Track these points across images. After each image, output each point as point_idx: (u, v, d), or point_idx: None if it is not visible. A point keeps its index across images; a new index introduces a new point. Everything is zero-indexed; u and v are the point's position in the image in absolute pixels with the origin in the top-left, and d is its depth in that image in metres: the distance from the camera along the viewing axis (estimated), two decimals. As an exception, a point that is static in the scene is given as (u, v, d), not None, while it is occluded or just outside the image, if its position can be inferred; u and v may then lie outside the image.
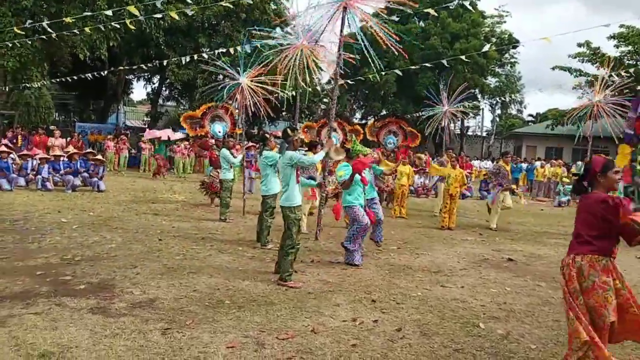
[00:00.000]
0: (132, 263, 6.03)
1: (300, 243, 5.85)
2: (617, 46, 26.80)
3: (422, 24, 32.86)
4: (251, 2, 18.06)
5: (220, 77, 9.45)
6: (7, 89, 21.39)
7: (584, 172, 3.48)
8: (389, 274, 6.26)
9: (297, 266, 5.99)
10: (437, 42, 30.25)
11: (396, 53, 6.52)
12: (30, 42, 15.95)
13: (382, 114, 33.44)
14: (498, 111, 49.28)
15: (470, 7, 28.49)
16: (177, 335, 3.92)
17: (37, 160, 13.53)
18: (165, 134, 23.38)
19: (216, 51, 11.26)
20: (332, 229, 8.94)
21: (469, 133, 42.87)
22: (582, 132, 9.68)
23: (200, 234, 8.22)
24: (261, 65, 8.74)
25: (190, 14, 12.18)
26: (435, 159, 17.19)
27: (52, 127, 22.11)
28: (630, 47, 26.38)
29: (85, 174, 13.51)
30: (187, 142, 21.06)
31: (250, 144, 17.26)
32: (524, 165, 22.93)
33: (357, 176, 6.50)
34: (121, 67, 21.64)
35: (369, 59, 6.16)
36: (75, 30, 12.42)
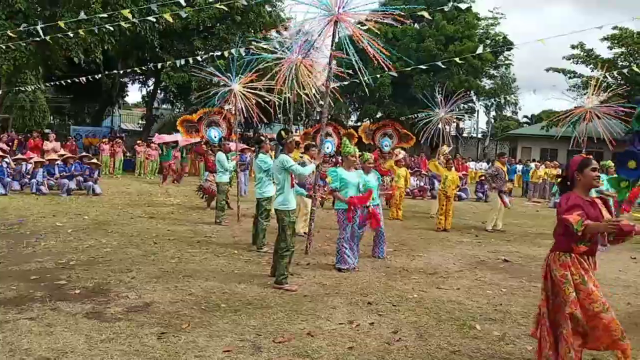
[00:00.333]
0: (127, 267, 6.01)
1: (295, 246, 5.85)
2: (610, 48, 26.98)
3: (416, 26, 32.95)
4: (246, 4, 18.04)
5: (216, 79, 9.38)
6: (1, 93, 21.27)
7: (565, 172, 3.62)
8: (385, 276, 6.26)
9: (293, 269, 5.99)
10: (431, 44, 30.34)
11: (388, 62, 6.49)
12: (24, 45, 15.89)
13: (377, 116, 33.48)
14: (493, 113, 49.44)
15: (464, 9, 28.61)
16: (173, 339, 3.91)
17: (31, 164, 13.47)
18: (175, 138, 22.63)
19: (211, 54, 11.24)
20: (329, 232, 8.94)
21: (465, 135, 42.95)
22: (576, 134, 9.72)
23: (195, 237, 8.20)
24: (253, 72, 8.72)
25: (184, 17, 12.15)
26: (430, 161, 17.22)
27: (47, 131, 21.99)
28: (623, 49, 26.56)
29: (80, 178, 13.46)
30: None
31: (245, 146, 17.26)
32: (519, 167, 23.02)
33: (350, 178, 6.45)
34: (116, 70, 21.57)
35: (359, 74, 6.15)
36: (69, 33, 12.35)
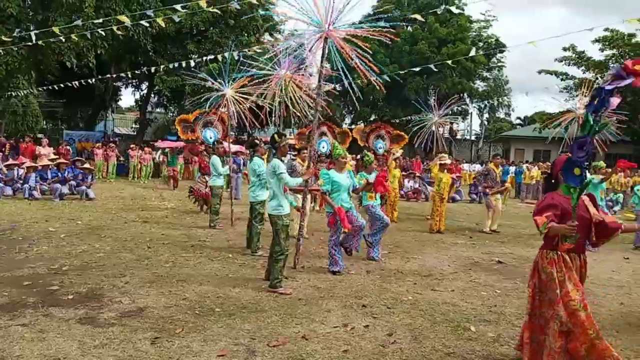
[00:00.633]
0: (120, 272, 5.97)
1: (289, 249, 5.84)
2: (601, 49, 27.21)
3: (410, 29, 33.11)
4: (239, 8, 18.05)
5: (209, 83, 9.35)
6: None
7: (550, 171, 3.69)
8: (379, 278, 6.26)
9: (287, 272, 5.98)
10: (424, 47, 30.48)
11: (378, 80, 6.52)
12: (16, 50, 15.81)
13: (371, 119, 33.55)
14: (486, 115, 49.72)
15: (456, 12, 28.74)
16: (167, 344, 3.89)
17: (23, 169, 13.38)
18: (178, 144, 22.21)
19: (205, 57, 11.22)
20: (323, 235, 8.92)
21: (458, 137, 43.11)
22: (566, 138, 9.81)
23: (189, 241, 8.17)
24: (246, 77, 8.70)
25: (177, 21, 12.13)
26: (425, 163, 17.28)
27: (39, 136, 21.88)
28: (614, 51, 26.79)
29: (73, 182, 13.38)
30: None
31: (239, 149, 17.22)
32: (512, 169, 23.12)
33: (341, 180, 6.47)
34: (109, 75, 21.50)
35: (349, 89, 6.18)
36: (61, 38, 12.30)
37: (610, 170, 10.20)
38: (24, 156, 16.29)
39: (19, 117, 23.87)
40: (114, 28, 9.89)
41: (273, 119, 7.32)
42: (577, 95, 11.45)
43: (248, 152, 13.61)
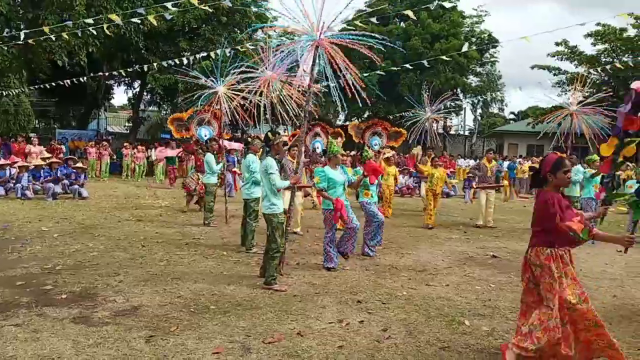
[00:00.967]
0: (114, 271, 5.95)
1: (285, 246, 5.84)
2: (594, 44, 27.31)
3: (402, 24, 33.10)
4: (231, 6, 17.97)
5: (203, 80, 9.31)
6: (-16, 97, 20.95)
7: (539, 168, 3.67)
8: (374, 274, 6.28)
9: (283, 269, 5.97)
10: (417, 43, 30.48)
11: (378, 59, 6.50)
12: (6, 49, 15.67)
13: (365, 115, 33.54)
14: (480, 110, 49.80)
15: (449, 8, 28.80)
16: (162, 342, 3.88)
17: (15, 168, 13.28)
18: (176, 152, 21.81)
19: (197, 55, 11.17)
20: (318, 231, 8.93)
21: (452, 132, 43.23)
22: (558, 133, 9.87)
23: (184, 239, 8.15)
24: (238, 73, 8.66)
25: (169, 18, 12.05)
26: (419, 159, 17.28)
27: (31, 135, 21.71)
28: (606, 45, 26.90)
29: (66, 181, 13.31)
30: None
31: (234, 146, 17.15)
32: (505, 163, 23.20)
33: (337, 177, 6.49)
34: (101, 73, 21.33)
35: (338, 100, 6.18)
36: (52, 37, 12.19)
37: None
38: (17, 156, 16.17)
39: (11, 116, 23.62)
40: (105, 29, 9.79)
41: (266, 116, 7.29)
42: (570, 90, 11.54)
43: (242, 149, 13.56)
